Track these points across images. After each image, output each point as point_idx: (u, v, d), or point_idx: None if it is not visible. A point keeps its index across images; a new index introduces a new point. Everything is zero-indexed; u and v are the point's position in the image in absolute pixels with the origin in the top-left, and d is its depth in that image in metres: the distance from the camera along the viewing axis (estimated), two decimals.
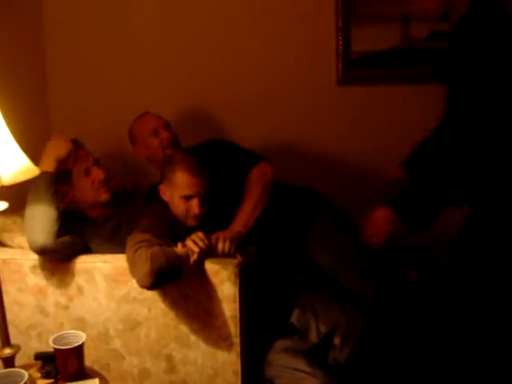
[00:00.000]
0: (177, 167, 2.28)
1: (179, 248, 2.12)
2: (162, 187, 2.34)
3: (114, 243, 2.26)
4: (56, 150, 2.21)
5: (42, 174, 2.10)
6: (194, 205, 2.25)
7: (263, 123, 3.01)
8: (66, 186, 2.34)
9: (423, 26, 2.87)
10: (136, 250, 2.07)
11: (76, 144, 2.34)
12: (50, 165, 2.17)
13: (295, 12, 2.96)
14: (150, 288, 2.06)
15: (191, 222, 2.29)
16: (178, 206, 2.29)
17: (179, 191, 2.26)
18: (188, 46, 3.01)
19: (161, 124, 2.62)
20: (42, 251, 2.12)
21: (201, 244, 2.11)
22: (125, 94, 3.06)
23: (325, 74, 3.00)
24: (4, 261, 2.24)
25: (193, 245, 2.11)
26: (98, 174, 2.36)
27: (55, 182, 2.17)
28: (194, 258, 2.08)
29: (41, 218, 2.11)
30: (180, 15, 3.01)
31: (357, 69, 2.98)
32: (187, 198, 2.25)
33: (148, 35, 3.03)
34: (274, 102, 3.02)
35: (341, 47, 2.95)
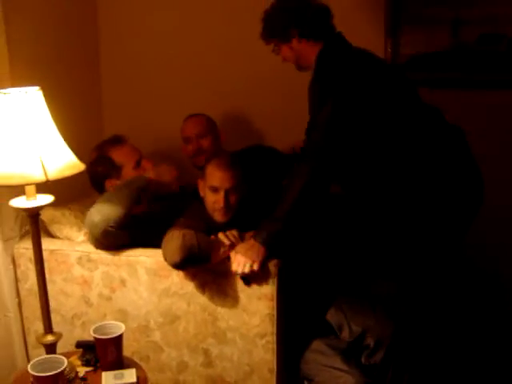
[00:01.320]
0: (211, 161, 2.38)
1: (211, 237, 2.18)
2: (199, 181, 2.42)
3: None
4: (162, 173, 2.42)
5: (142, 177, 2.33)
6: (219, 197, 2.30)
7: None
8: (116, 179, 2.45)
9: (473, 29, 2.82)
10: (170, 232, 2.16)
11: (123, 140, 2.43)
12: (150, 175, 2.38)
13: (345, 12, 2.94)
14: (178, 265, 2.11)
15: (217, 216, 2.33)
16: (207, 198, 2.35)
17: (208, 182, 2.34)
18: (240, 52, 3.04)
19: (194, 133, 2.70)
20: (90, 227, 2.21)
21: (232, 239, 2.17)
22: (176, 95, 3.11)
23: None
24: (51, 251, 2.32)
25: (224, 238, 2.17)
26: (148, 165, 2.46)
27: (144, 189, 2.33)
28: (224, 249, 2.14)
29: (110, 203, 2.19)
30: (233, 22, 3.04)
31: (405, 71, 2.93)
32: (214, 189, 2.32)
33: (201, 39, 3.07)
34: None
35: (390, 50, 2.92)
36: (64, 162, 1.82)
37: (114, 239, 2.23)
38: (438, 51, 2.90)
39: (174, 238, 2.10)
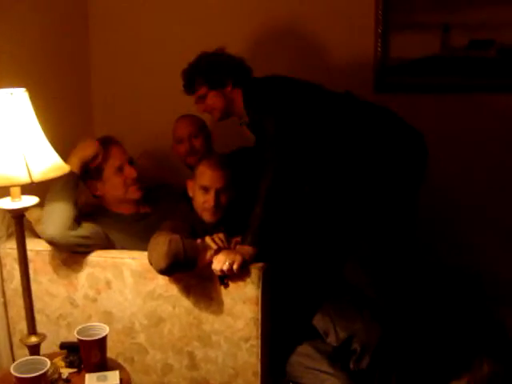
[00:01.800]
0: (202, 161, 2.39)
1: (198, 242, 2.18)
2: (189, 182, 2.43)
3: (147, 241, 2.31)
4: (82, 150, 2.33)
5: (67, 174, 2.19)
6: (210, 197, 2.31)
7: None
8: (97, 181, 2.43)
9: (463, 35, 2.83)
10: (156, 237, 2.16)
11: (110, 142, 2.42)
12: (74, 165, 2.25)
13: (335, 18, 2.96)
14: (164, 271, 2.11)
15: (207, 217, 2.34)
16: (197, 197, 2.36)
17: (199, 181, 2.35)
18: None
19: (186, 133, 2.71)
20: (49, 241, 2.23)
21: (219, 243, 2.17)
22: (166, 96, 3.08)
23: (362, 81, 2.99)
24: (37, 252, 2.32)
25: (211, 242, 2.17)
26: (130, 172, 2.43)
27: (75, 181, 2.27)
28: (210, 253, 2.14)
29: (52, 212, 2.21)
30: (223, 22, 3.06)
31: (394, 76, 2.96)
32: (205, 189, 2.33)
33: (191, 39, 3.06)
34: None
35: (379, 54, 2.94)
36: (49, 163, 1.81)
37: (75, 244, 2.25)
38: (428, 56, 2.91)
39: (160, 244, 2.10)
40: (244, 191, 2.42)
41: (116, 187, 2.43)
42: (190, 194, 2.41)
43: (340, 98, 2.47)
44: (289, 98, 2.38)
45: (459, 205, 2.95)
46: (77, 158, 2.30)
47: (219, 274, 2.12)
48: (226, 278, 2.13)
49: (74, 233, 2.22)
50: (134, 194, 2.45)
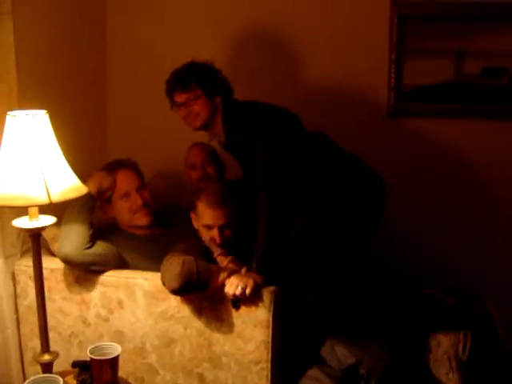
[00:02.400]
0: (201, 198, 2.38)
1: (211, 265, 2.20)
2: (192, 215, 2.44)
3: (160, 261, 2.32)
4: (99, 180, 2.38)
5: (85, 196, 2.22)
6: (215, 233, 2.33)
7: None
8: (107, 203, 2.47)
9: (477, 62, 2.86)
10: (169, 258, 2.18)
11: (121, 166, 2.47)
12: (91, 187, 2.28)
13: (350, 44, 2.99)
14: (177, 291, 2.13)
15: (214, 249, 2.35)
16: (202, 233, 2.38)
17: (201, 220, 2.36)
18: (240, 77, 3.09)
19: (199, 160, 2.73)
20: (65, 260, 2.26)
21: (232, 267, 2.22)
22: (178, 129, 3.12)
23: (376, 106, 3.02)
24: (52, 270, 2.35)
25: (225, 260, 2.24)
26: (136, 199, 2.45)
27: (92, 202, 2.31)
28: (223, 276, 2.16)
29: (69, 231, 2.24)
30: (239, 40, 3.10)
31: (408, 102, 2.98)
32: (208, 227, 2.35)
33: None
34: (327, 133, 3.04)
35: (393, 80, 2.96)
36: (68, 184, 1.85)
37: (90, 262, 2.29)
38: (442, 83, 2.93)
39: (174, 265, 2.12)
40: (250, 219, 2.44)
41: (123, 212, 2.46)
42: (196, 226, 2.42)
43: (312, 138, 2.54)
44: (275, 125, 2.42)
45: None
46: (94, 184, 2.32)
47: (232, 297, 2.13)
48: (239, 301, 2.15)
49: (89, 251, 2.25)
50: (141, 220, 2.47)
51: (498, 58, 2.86)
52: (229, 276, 2.16)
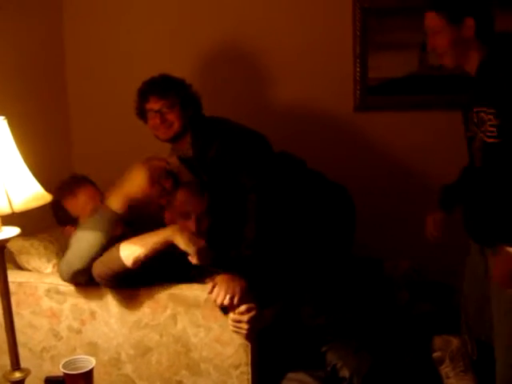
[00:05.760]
0: (181, 188, 2.38)
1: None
2: (166, 213, 2.39)
3: None
4: (134, 187, 2.19)
5: (109, 213, 2.15)
6: (191, 223, 2.29)
7: (281, 148, 3.01)
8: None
9: None
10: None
11: (76, 188, 2.35)
12: (119, 203, 2.17)
13: (313, 38, 2.98)
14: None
15: None
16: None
17: (179, 208, 2.32)
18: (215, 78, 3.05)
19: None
20: (73, 274, 2.16)
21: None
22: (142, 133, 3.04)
23: (342, 101, 3.01)
24: (19, 284, 2.27)
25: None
26: None
27: (119, 226, 2.20)
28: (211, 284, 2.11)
29: (87, 250, 2.14)
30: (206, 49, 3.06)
31: (374, 95, 2.98)
32: (186, 215, 2.30)
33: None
34: (292, 129, 3.02)
35: (358, 74, 2.96)
36: (30, 193, 1.77)
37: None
38: (407, 75, 2.93)
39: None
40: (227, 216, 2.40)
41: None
42: (168, 222, 2.36)
43: (278, 157, 2.56)
44: (250, 137, 2.45)
45: None
46: (124, 195, 2.17)
47: (220, 306, 2.09)
48: (226, 308, 2.10)
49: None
50: None
51: None
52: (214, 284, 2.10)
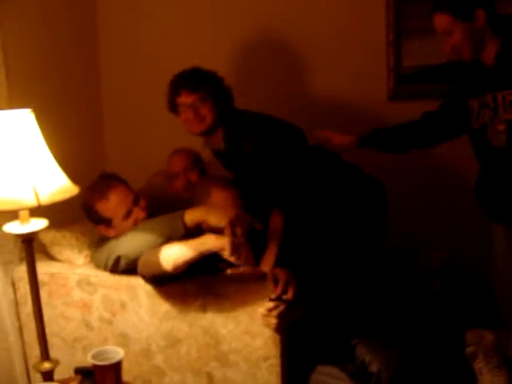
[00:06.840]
0: (209, 186, 2.38)
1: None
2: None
3: None
4: (214, 220, 2.11)
5: (179, 225, 2.12)
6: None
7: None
8: (108, 227, 2.33)
9: None
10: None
11: (107, 191, 2.29)
12: (193, 222, 2.13)
13: (345, 26, 2.92)
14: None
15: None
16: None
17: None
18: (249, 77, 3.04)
19: (181, 169, 2.66)
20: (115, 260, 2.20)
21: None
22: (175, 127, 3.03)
23: (376, 90, 2.94)
24: (52, 275, 2.30)
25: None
26: (139, 213, 2.31)
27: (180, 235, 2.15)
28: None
29: (140, 246, 2.16)
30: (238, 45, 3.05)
31: (408, 84, 2.90)
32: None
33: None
34: (324, 119, 2.97)
35: (392, 62, 2.88)
36: (57, 185, 1.77)
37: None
38: (441, 63, 2.84)
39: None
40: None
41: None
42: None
43: (313, 151, 2.53)
44: (285, 132, 2.42)
45: None
46: (200, 218, 2.14)
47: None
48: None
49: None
50: None
51: None
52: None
